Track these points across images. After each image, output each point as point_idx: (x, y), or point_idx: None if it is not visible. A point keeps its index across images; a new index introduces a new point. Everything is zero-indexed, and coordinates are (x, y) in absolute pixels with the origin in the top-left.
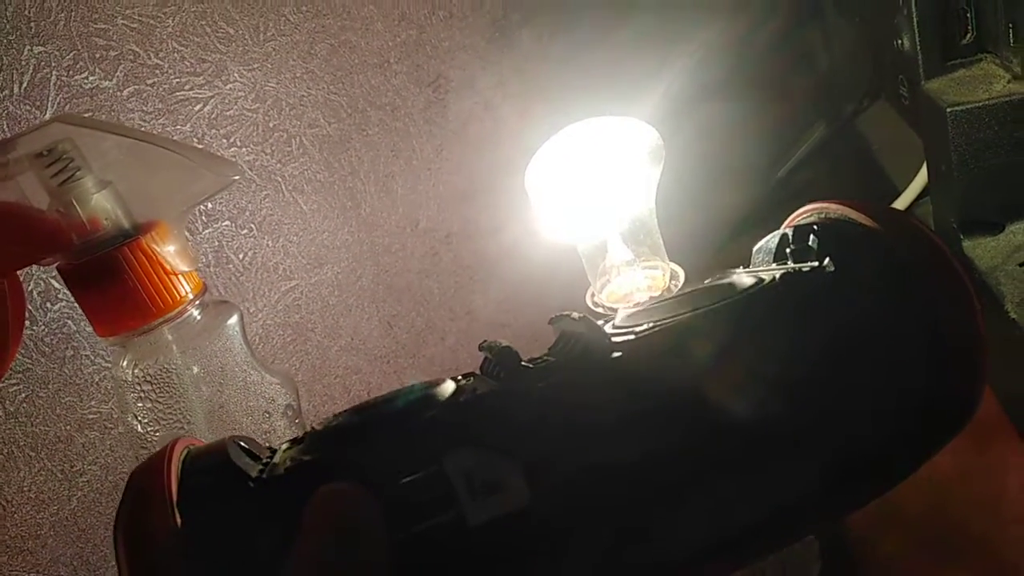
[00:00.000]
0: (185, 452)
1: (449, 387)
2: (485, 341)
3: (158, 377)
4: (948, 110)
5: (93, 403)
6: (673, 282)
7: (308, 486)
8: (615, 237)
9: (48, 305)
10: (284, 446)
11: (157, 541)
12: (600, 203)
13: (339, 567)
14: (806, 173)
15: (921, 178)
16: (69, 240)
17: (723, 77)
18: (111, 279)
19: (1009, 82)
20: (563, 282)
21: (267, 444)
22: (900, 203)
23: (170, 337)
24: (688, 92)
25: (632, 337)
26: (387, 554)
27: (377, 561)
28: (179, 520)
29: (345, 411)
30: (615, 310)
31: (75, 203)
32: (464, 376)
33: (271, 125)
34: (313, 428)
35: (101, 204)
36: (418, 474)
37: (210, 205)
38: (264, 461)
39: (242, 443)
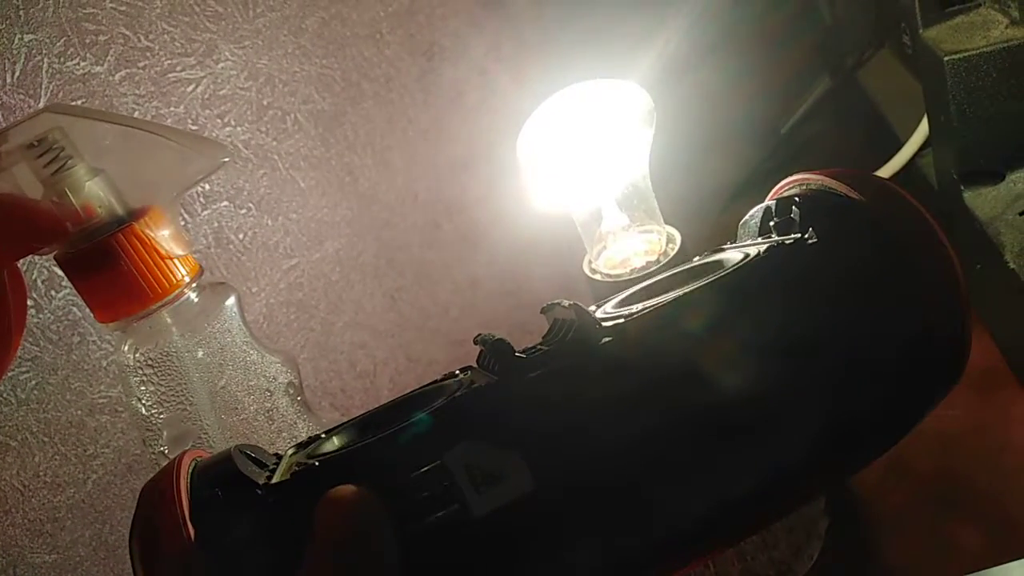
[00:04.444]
0: (192, 465)
1: (447, 383)
2: (480, 334)
3: (159, 361)
4: (946, 59)
5: (102, 387)
6: (670, 245)
7: (314, 490)
8: (609, 203)
9: (52, 293)
10: (289, 451)
11: (172, 557)
12: (593, 169)
13: (350, 569)
14: (809, 128)
15: (923, 129)
16: (64, 229)
17: (721, 34)
18: (107, 266)
19: (1007, 27)
20: (567, 248)
21: (270, 422)
22: (902, 155)
23: (169, 320)
24: (686, 51)
25: (622, 321)
26: (396, 552)
27: (387, 561)
28: (192, 534)
29: (348, 420)
30: (612, 276)
31: (68, 192)
32: (461, 370)
33: (265, 103)
34: (317, 434)
35: (94, 192)
36: (421, 471)
37: (208, 186)
38: (270, 467)
39: (248, 451)
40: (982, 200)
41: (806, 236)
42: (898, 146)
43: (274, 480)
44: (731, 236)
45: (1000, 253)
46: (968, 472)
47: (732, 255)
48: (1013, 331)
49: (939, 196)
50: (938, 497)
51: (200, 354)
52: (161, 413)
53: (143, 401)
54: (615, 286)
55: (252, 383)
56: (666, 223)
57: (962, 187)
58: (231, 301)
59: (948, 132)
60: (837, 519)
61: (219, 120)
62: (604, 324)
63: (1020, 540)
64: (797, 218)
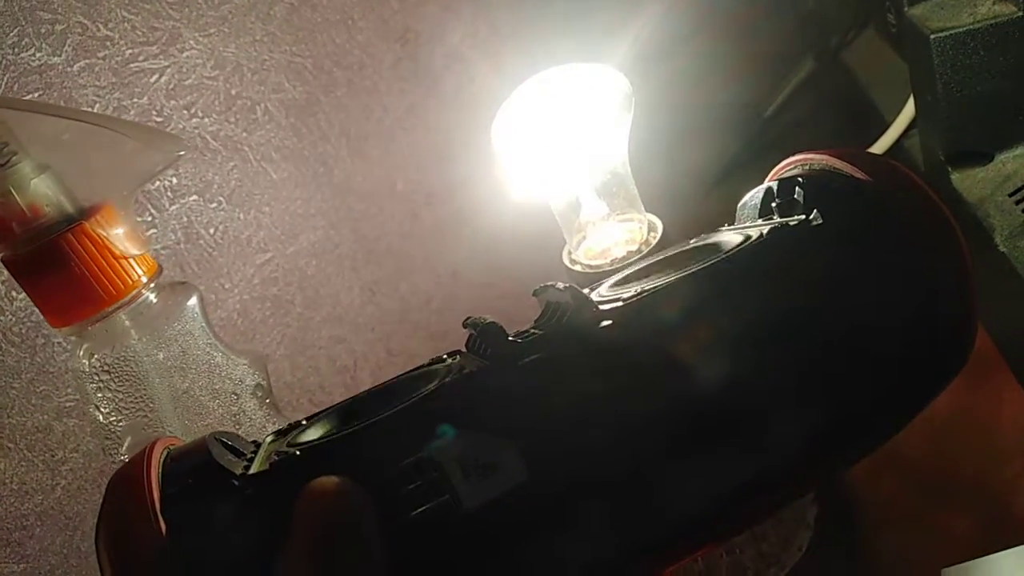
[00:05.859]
0: (165, 454)
1: (435, 368)
2: (469, 317)
3: (116, 366)
4: (932, 36)
5: (69, 391)
6: (652, 234)
7: (295, 480)
8: (588, 191)
9: (14, 294)
10: (268, 439)
11: (143, 552)
12: (570, 155)
13: (333, 565)
14: (792, 111)
15: (909, 110)
16: (9, 229)
17: (702, 15)
18: (58, 268)
19: (994, 4)
20: (550, 238)
21: (238, 426)
22: (888, 136)
23: (127, 323)
24: (666, 33)
25: (620, 304)
26: (382, 547)
27: (372, 556)
28: (164, 528)
29: (331, 406)
30: (592, 267)
31: (13, 190)
32: (449, 355)
33: (233, 92)
34: (298, 420)
35: (41, 189)
36: (408, 461)
37: (176, 180)
38: (248, 456)
39: (224, 439)
40: (970, 182)
41: (810, 217)
42: (884, 127)
43: (252, 470)
44: (714, 222)
45: (990, 236)
46: (958, 458)
47: (731, 237)
48: (1003, 315)
49: (926, 178)
50: (928, 484)
51: (161, 356)
52: (120, 420)
53: (101, 408)
54: (596, 277)
55: (217, 386)
56: (647, 211)
57: (950, 169)
58: (193, 301)
59: (935, 112)
60: (827, 508)
61: (185, 111)
62: (601, 307)
63: (1011, 528)
64: (801, 199)
